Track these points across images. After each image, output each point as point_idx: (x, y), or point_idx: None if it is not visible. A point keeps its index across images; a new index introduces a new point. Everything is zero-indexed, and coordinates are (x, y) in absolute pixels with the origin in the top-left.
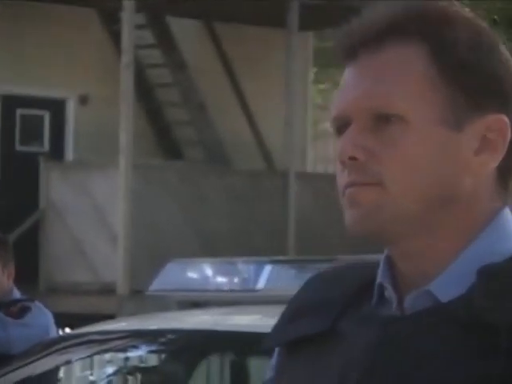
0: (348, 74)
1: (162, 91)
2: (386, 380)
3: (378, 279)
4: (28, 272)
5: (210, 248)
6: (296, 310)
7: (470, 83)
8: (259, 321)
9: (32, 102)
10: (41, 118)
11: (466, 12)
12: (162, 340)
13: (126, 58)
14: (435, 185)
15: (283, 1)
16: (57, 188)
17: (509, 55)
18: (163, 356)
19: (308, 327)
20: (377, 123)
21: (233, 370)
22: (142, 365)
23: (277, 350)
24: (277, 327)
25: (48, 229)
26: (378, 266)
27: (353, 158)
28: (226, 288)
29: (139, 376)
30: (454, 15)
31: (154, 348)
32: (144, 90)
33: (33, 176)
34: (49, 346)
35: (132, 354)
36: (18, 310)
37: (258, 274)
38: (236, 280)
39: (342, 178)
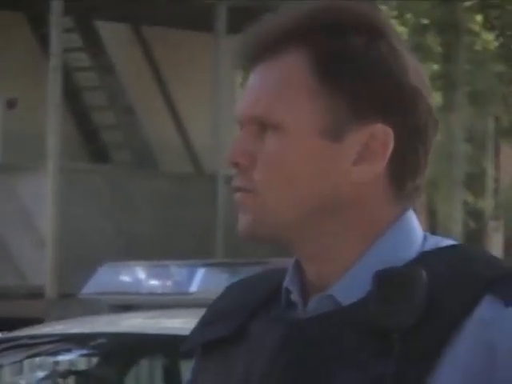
0: (249, 80)
1: (89, 94)
2: (284, 381)
3: (285, 283)
4: None
5: (136, 252)
6: (213, 314)
7: (351, 94)
8: (190, 324)
9: None
10: None
11: (367, 17)
12: (93, 343)
13: (54, 61)
14: (312, 195)
15: (211, 4)
16: None
17: (405, 63)
18: (94, 359)
19: (219, 330)
20: (261, 131)
21: (163, 373)
22: (73, 368)
23: (196, 353)
24: (195, 330)
25: None
26: None
27: (236, 164)
28: (158, 291)
29: (70, 380)
30: (351, 22)
31: (84, 352)
32: (71, 94)
33: None
34: None
35: (63, 357)
36: None
37: (191, 277)
38: (169, 283)
39: (233, 181)
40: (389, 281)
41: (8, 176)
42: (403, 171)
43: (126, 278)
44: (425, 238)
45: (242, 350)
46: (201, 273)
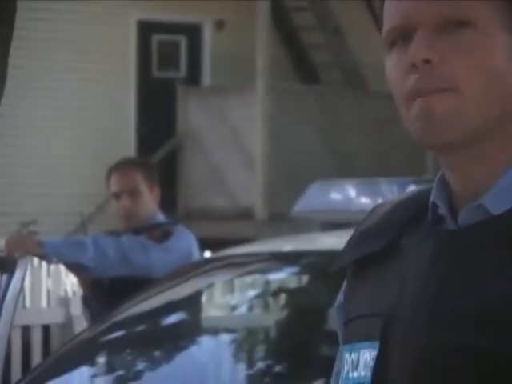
0: None
1: (297, 15)
2: (441, 289)
3: (432, 198)
4: (166, 198)
5: (347, 171)
6: (360, 235)
7: None
8: None
9: (168, 27)
10: (177, 44)
11: None
12: (304, 261)
13: None
14: (505, 90)
15: None
16: (194, 114)
17: None
18: (305, 278)
19: (370, 247)
20: (446, 28)
21: None
22: (284, 287)
23: (347, 275)
24: (343, 251)
25: (186, 154)
26: None
27: (427, 61)
28: (369, 208)
29: (281, 298)
30: None
31: (295, 270)
32: (280, 15)
33: (170, 102)
34: (191, 270)
35: (274, 275)
36: (161, 235)
37: (401, 194)
38: (379, 200)
39: (406, 85)
40: None
41: (218, 97)
42: None
43: (336, 196)
44: None
45: (396, 263)
46: (411, 189)
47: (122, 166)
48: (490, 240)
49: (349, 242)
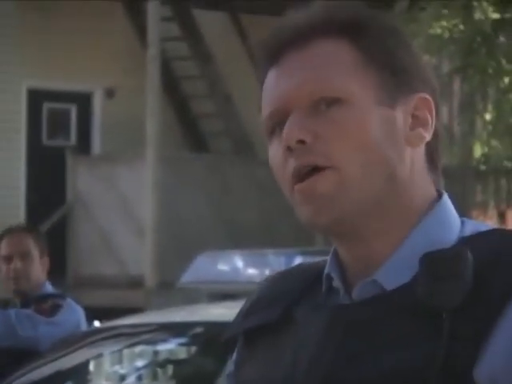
0: (273, 75)
1: (188, 83)
2: (334, 363)
3: (326, 270)
4: (56, 265)
5: (238, 239)
6: (251, 305)
7: (394, 68)
8: None
9: (59, 95)
10: (67, 112)
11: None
12: (192, 332)
13: (153, 50)
14: (386, 162)
15: None
16: (84, 181)
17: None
18: (193, 348)
19: (263, 317)
20: (317, 108)
21: None
22: (172, 357)
23: (237, 344)
24: (235, 321)
25: (75, 222)
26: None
27: (301, 141)
28: (257, 279)
29: (170, 369)
30: (367, 13)
31: (184, 341)
32: (170, 83)
33: (60, 170)
34: (80, 340)
35: (162, 346)
36: (49, 308)
37: (288, 265)
38: (267, 271)
39: (286, 169)
40: (437, 262)
41: (108, 165)
42: (436, 149)
43: (224, 267)
44: (463, 223)
45: (288, 336)
46: (298, 261)
47: (14, 230)
48: (383, 314)
49: (240, 311)
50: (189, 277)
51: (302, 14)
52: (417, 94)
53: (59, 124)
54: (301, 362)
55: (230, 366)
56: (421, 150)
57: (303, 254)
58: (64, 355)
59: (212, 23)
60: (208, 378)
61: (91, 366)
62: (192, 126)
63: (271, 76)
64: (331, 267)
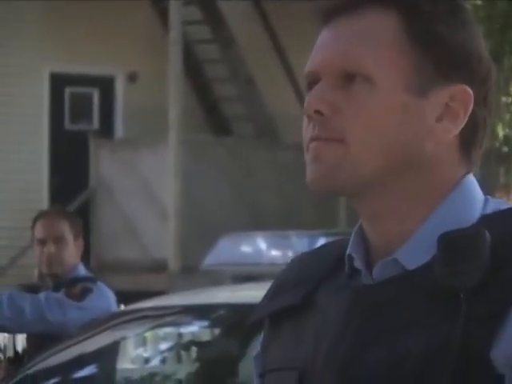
0: (323, 35)
1: (210, 67)
2: (355, 344)
3: (348, 250)
4: None
5: (259, 223)
6: (277, 287)
7: (438, 53)
8: None
9: (81, 79)
10: (90, 96)
11: None
12: (215, 315)
13: (174, 34)
14: (396, 147)
15: None
16: (106, 166)
17: (480, 34)
18: (216, 331)
19: (287, 299)
20: (345, 82)
21: None
22: (196, 340)
23: (264, 327)
24: (261, 303)
25: (98, 207)
26: None
27: (318, 112)
28: (280, 261)
29: (193, 351)
30: None
31: (207, 323)
32: (192, 67)
33: (82, 154)
34: (104, 323)
35: (185, 329)
36: (79, 292)
37: (311, 247)
38: (290, 253)
39: (307, 132)
40: (454, 242)
41: (130, 150)
42: (473, 138)
43: (247, 249)
44: (486, 202)
45: (311, 318)
46: (321, 242)
47: (49, 214)
48: (403, 295)
49: (266, 294)
50: (212, 259)
51: None
52: (455, 86)
53: (81, 108)
54: (321, 344)
55: (256, 348)
56: (450, 140)
57: (326, 235)
58: (88, 338)
59: (234, 7)
60: (231, 360)
61: (116, 349)
62: (214, 110)
63: (321, 36)
64: (353, 247)
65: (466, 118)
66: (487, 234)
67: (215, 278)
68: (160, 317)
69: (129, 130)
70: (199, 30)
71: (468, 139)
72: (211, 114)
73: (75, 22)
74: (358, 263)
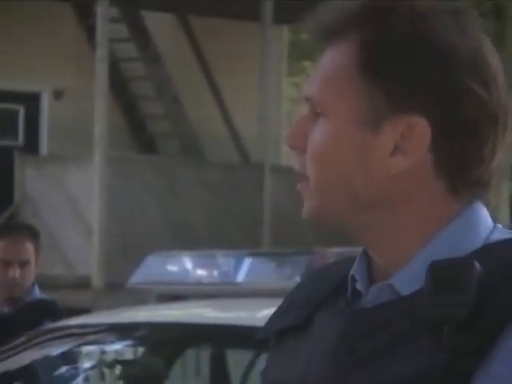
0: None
1: (136, 85)
2: (343, 369)
3: (351, 271)
4: None
5: (185, 241)
6: (288, 303)
7: (391, 84)
8: (237, 313)
9: (6, 95)
10: (15, 112)
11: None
12: (140, 333)
13: (101, 51)
14: (351, 183)
15: None
16: (32, 182)
17: (456, 53)
18: (141, 349)
19: (290, 319)
20: (316, 115)
21: (210, 363)
22: (120, 358)
23: (270, 343)
24: (271, 319)
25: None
26: None
27: (291, 146)
28: (205, 281)
29: (117, 369)
30: (401, 11)
31: (131, 341)
32: (119, 84)
33: (8, 170)
34: (28, 340)
35: (109, 347)
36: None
37: (237, 267)
38: (216, 273)
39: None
40: (440, 271)
41: (56, 166)
42: (451, 164)
43: (173, 268)
44: (493, 230)
45: (308, 339)
46: (247, 263)
47: (15, 233)
48: (392, 321)
49: (276, 310)
50: (139, 277)
51: (342, 4)
52: (410, 117)
53: (7, 124)
54: (313, 367)
55: (262, 363)
56: (420, 170)
57: (252, 255)
58: (11, 356)
59: (161, 25)
60: (155, 378)
61: (39, 367)
62: (140, 128)
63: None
64: (356, 269)
65: (423, 150)
66: (476, 264)
67: (140, 297)
68: (85, 335)
69: (54, 146)
70: (126, 47)
71: (445, 166)
72: (137, 132)
73: (1, 37)
74: (359, 285)
